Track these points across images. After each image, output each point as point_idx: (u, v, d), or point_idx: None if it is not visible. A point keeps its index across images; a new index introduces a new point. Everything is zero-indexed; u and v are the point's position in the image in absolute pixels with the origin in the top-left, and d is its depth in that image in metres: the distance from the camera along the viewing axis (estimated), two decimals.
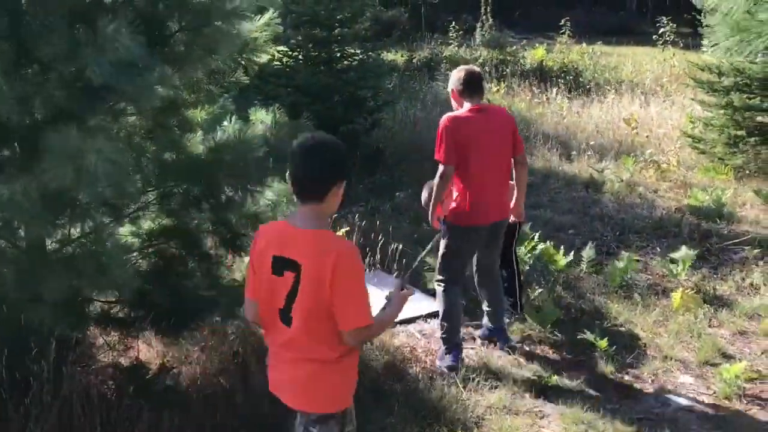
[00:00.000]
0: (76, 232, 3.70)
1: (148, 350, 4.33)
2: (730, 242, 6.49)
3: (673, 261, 5.88)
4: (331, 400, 2.63)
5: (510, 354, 4.68)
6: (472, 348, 4.76)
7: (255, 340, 4.45)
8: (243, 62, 4.21)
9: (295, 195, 2.56)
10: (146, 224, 4.14)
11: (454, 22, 17.53)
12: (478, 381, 4.31)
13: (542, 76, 14.50)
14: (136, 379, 3.89)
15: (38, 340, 3.43)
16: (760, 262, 6.11)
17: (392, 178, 8.40)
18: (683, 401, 4.18)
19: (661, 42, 16.31)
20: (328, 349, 2.54)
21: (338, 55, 8.93)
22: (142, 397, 3.70)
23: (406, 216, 7.25)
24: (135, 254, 4.01)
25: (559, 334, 4.89)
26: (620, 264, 5.65)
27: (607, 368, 4.51)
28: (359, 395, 4.09)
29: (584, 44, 17.06)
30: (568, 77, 14.27)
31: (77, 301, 3.65)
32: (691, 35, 17.66)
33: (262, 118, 4.43)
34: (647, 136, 10.00)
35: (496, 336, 4.78)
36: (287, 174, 2.55)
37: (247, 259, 4.74)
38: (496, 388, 4.27)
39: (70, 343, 3.67)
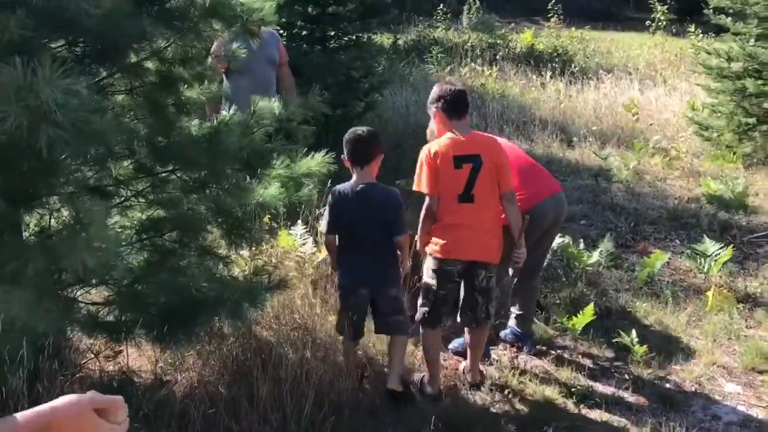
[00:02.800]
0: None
1: (139, 355, 3.85)
2: (756, 236, 6.15)
3: (697, 254, 5.52)
4: (499, 253, 3.84)
5: (537, 360, 4.28)
6: (493, 352, 4.35)
7: (256, 342, 4.00)
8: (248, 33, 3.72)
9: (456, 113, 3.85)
10: (138, 215, 3.65)
11: (441, 5, 17.05)
12: (509, 391, 3.91)
13: (533, 60, 14.12)
14: (126, 391, 3.41)
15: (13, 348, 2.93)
16: None
17: (390, 164, 7.92)
18: (735, 414, 3.81)
19: (653, 27, 16.04)
20: (497, 217, 3.80)
21: (332, 33, 8.43)
22: (135, 410, 3.23)
23: (407, 203, 6.79)
24: (125, 248, 3.51)
25: (587, 337, 4.50)
26: (649, 262, 5.26)
27: (645, 375, 4.14)
28: (376, 406, 3.70)
29: (573, 28, 16.72)
30: (559, 61, 13.88)
31: (58, 293, 3.16)
32: (678, 21, 17.45)
33: (262, 105, 3.92)
34: (651, 124, 9.64)
35: (523, 341, 4.39)
36: None
37: (245, 252, 4.36)
38: (529, 398, 3.87)
39: (49, 350, 3.18)
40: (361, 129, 3.87)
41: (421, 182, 3.82)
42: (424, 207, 3.84)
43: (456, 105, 3.86)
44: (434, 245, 3.79)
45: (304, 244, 4.86)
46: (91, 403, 1.20)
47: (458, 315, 3.93)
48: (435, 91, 3.96)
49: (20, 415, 1.16)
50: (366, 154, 3.78)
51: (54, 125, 2.15)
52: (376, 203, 3.78)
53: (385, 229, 3.76)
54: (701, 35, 13.85)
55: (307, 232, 5.02)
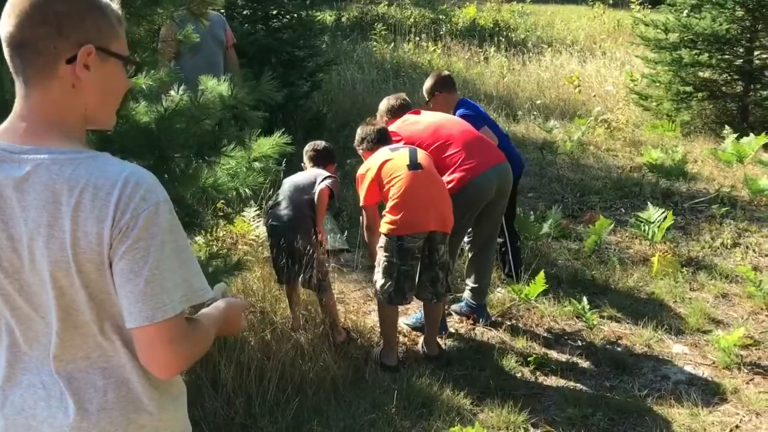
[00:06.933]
0: None
1: None
2: (696, 201, 6.37)
3: (641, 221, 5.68)
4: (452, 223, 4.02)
5: (493, 331, 4.38)
6: (450, 325, 4.43)
7: None
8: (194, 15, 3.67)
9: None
10: None
11: None
12: (466, 363, 3.99)
13: (476, 35, 14.20)
14: None
15: None
16: (726, 220, 6.00)
17: (338, 144, 7.92)
18: (683, 374, 3.97)
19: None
20: (445, 187, 4.05)
21: (274, 12, 8.33)
22: None
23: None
24: None
25: (539, 306, 4.62)
26: (594, 230, 5.40)
27: (597, 340, 4.27)
28: (338, 384, 3.74)
29: (514, 2, 16.86)
30: (501, 36, 14.00)
31: None
32: None
33: (212, 87, 3.88)
34: (595, 96, 9.83)
35: (477, 313, 4.47)
36: None
37: (200, 239, 4.33)
38: (485, 369, 3.96)
39: None
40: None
41: (360, 196, 4.10)
42: (363, 222, 4.13)
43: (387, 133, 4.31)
44: (391, 224, 3.83)
45: (257, 228, 4.85)
46: (243, 303, 1.70)
47: (417, 290, 4.00)
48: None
49: (211, 308, 1.54)
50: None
51: None
52: None
53: None
54: (639, 7, 14.12)
55: (258, 215, 5.00)
